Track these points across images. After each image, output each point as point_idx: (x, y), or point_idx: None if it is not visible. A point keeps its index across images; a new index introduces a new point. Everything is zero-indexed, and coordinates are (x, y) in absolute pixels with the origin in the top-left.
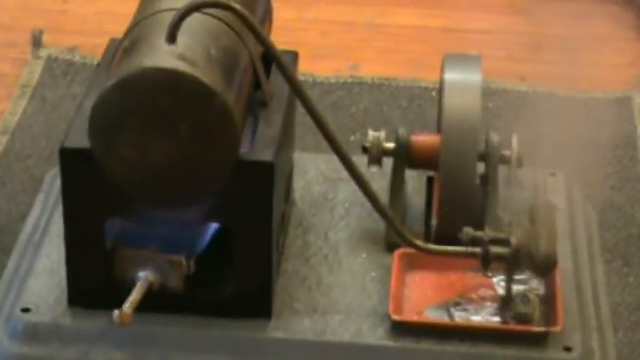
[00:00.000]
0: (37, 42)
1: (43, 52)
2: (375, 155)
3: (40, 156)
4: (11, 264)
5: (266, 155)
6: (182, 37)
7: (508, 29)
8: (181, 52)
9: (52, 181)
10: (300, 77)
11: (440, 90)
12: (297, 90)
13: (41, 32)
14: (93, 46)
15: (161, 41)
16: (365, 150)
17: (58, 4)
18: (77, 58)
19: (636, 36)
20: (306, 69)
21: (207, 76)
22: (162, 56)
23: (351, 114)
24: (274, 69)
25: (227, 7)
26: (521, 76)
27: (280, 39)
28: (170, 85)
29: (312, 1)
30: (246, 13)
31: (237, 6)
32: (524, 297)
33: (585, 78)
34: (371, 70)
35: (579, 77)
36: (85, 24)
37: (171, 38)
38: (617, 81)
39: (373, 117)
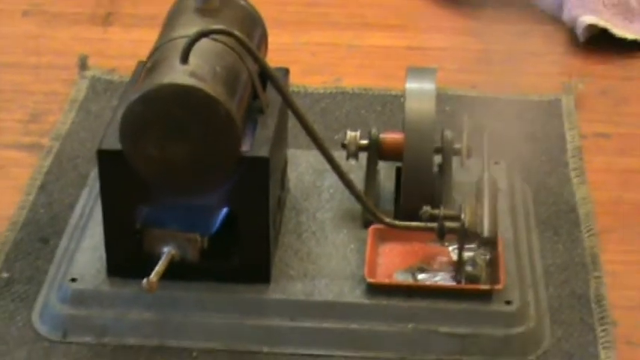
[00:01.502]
0: (83, 65)
1: (88, 74)
2: (353, 151)
3: (85, 157)
4: (62, 243)
5: (263, 152)
6: (193, 58)
7: (461, 47)
8: (192, 70)
9: (95, 177)
10: (294, 89)
11: (404, 96)
12: (286, 99)
13: (86, 57)
14: (128, 67)
15: (176, 62)
16: (344, 146)
17: (100, 34)
18: (116, 78)
19: (565, 50)
20: (299, 82)
21: (213, 89)
22: (176, 74)
23: (335, 117)
24: (269, 82)
25: (230, 34)
26: (472, 84)
27: (278, 58)
28: (183, 97)
29: (304, 28)
30: (245, 38)
31: (238, 33)
32: (473, 262)
33: (524, 85)
34: (351, 82)
35: (519, 84)
36: (121, 50)
37: (184, 59)
38: (549, 87)
39: (353, 120)
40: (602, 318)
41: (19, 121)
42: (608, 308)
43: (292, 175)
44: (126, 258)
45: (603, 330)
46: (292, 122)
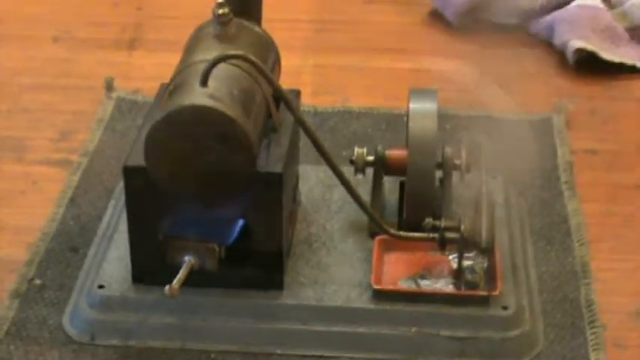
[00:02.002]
0: (109, 87)
1: (114, 95)
2: (360, 166)
3: (112, 172)
4: (91, 252)
5: (277, 168)
6: (212, 82)
7: (460, 69)
8: (211, 92)
9: (120, 191)
10: (305, 109)
11: (407, 116)
12: (298, 119)
13: (112, 79)
14: (151, 89)
15: (196, 85)
16: (352, 162)
17: (125, 57)
18: (140, 99)
19: (555, 72)
20: (310, 102)
21: (230, 110)
22: (197, 96)
23: (343, 135)
24: (282, 103)
25: (245, 59)
26: (470, 104)
27: (290, 80)
28: (203, 117)
29: (314, 52)
30: (259, 63)
31: (253, 58)
32: (472, 269)
33: (518, 104)
34: (358, 102)
35: (513, 104)
36: (145, 72)
37: (204, 82)
38: (541, 106)
39: (360, 137)
40: (592, 322)
41: (50, 139)
42: (597, 313)
43: (303, 189)
44: (149, 266)
45: (593, 333)
46: (304, 140)
